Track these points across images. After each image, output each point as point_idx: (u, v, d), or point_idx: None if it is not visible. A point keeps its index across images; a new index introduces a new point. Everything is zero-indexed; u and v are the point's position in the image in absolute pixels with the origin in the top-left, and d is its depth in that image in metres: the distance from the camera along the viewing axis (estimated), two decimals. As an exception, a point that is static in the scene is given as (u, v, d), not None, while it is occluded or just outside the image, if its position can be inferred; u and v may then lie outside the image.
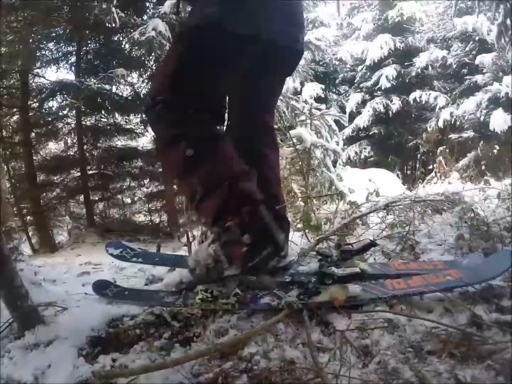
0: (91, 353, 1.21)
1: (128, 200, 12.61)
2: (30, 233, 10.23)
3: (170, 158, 1.38)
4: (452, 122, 10.25)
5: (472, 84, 10.65)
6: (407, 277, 1.39)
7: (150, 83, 9.36)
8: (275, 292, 1.35)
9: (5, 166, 8.93)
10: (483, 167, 8.53)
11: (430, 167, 11.68)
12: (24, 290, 1.29)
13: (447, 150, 9.44)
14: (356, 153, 12.45)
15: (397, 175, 10.14)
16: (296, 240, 2.17)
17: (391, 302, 1.25)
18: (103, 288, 1.66)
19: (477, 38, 10.89)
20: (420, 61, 11.41)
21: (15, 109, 9.71)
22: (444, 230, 2.34)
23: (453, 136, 10.12)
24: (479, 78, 10.22)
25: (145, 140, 11.51)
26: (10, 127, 10.31)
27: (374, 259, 1.87)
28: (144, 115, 10.63)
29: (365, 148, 12.64)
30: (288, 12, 1.46)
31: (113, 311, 1.46)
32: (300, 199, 3.96)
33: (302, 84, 7.68)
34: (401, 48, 11.92)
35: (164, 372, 0.99)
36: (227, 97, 1.65)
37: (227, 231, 1.22)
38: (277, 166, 1.83)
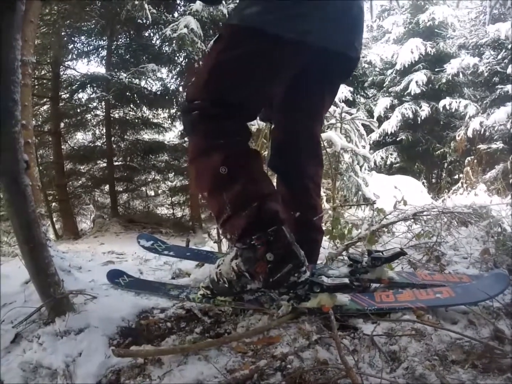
0: (122, 344, 1.22)
1: (152, 193, 12.90)
2: (53, 220, 10.56)
3: (201, 170, 1.35)
4: (482, 132, 10.06)
5: (503, 93, 10.43)
6: (396, 290, 1.42)
7: (186, 79, 9.50)
8: (270, 294, 1.41)
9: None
10: (511, 181, 8.33)
11: (456, 176, 11.49)
12: (57, 278, 1.30)
13: (475, 161, 9.26)
14: (382, 158, 12.36)
15: (423, 183, 9.99)
16: (324, 244, 2.19)
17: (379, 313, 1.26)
18: (116, 277, 1.73)
19: (509, 46, 10.63)
20: (451, 67, 11.21)
21: (45, 99, 9.97)
22: (470, 243, 2.32)
23: (481, 146, 9.92)
24: (510, 88, 9.99)
25: (172, 135, 11.74)
26: (40, 116, 10.56)
27: (402, 267, 1.88)
28: (176, 112, 10.83)
29: (391, 154, 12.52)
30: (341, 16, 1.35)
31: (143, 303, 1.47)
32: (327, 204, 3.96)
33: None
34: (432, 53, 11.75)
35: (199, 367, 1.01)
36: (273, 101, 1.61)
37: (251, 248, 1.24)
38: (319, 178, 1.81)
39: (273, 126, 1.76)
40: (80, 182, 11.50)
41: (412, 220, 2.42)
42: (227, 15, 7.94)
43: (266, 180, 1.37)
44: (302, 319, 1.21)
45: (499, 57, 11.14)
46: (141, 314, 1.39)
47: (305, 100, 1.61)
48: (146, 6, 7.75)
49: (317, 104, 1.68)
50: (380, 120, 11.60)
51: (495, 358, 0.96)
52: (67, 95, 10.27)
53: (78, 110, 10.35)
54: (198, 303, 1.43)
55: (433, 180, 12.98)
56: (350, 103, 9.53)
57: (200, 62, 8.09)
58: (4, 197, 1.22)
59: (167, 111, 10.79)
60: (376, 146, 12.54)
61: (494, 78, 11.35)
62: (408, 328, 1.11)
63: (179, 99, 10.30)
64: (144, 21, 8.28)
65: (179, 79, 10.16)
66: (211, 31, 8.38)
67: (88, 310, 1.34)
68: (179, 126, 11.49)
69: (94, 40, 9.85)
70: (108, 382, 1.04)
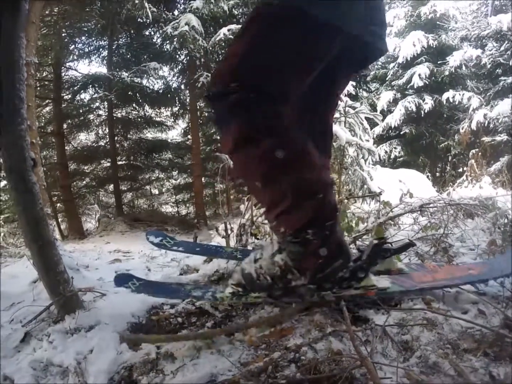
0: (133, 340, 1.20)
1: (156, 191, 12.98)
2: (59, 220, 10.62)
3: (251, 158, 1.20)
4: (486, 124, 10.00)
5: (506, 85, 10.36)
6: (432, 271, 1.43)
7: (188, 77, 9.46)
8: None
9: (38, 155, 9.27)
10: (516, 173, 8.29)
11: (460, 170, 11.44)
12: (66, 275, 1.29)
13: (479, 154, 9.20)
14: (386, 152, 12.32)
15: (427, 176, 9.96)
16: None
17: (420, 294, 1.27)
18: (125, 281, 1.62)
19: (512, 37, 10.58)
20: (454, 60, 11.13)
21: (48, 101, 10.01)
22: (476, 235, 2.32)
23: (486, 139, 9.86)
24: (513, 80, 9.95)
25: (175, 133, 11.81)
26: (43, 118, 10.60)
27: (409, 259, 1.88)
28: (179, 110, 10.77)
29: (395, 148, 12.48)
30: (374, 8, 1.31)
31: (152, 299, 1.46)
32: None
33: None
34: (434, 46, 11.67)
35: (212, 361, 1.01)
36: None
37: (303, 242, 1.16)
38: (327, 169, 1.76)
39: None
40: (84, 182, 11.59)
41: (419, 212, 2.42)
42: (227, 12, 7.93)
43: (326, 168, 1.27)
44: (314, 311, 1.21)
45: (502, 48, 11.05)
46: (151, 310, 1.39)
47: (326, 86, 1.48)
48: (146, 4, 7.74)
49: (335, 91, 1.57)
50: (383, 114, 11.54)
51: (506, 346, 0.96)
52: (69, 96, 10.32)
53: (81, 111, 10.40)
54: (227, 302, 1.37)
55: (437, 174, 12.93)
56: (353, 97, 9.48)
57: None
58: (12, 196, 1.22)
59: (169, 109, 10.83)
60: (380, 140, 12.49)
61: (497, 70, 11.26)
62: (419, 318, 1.12)
63: (181, 97, 10.31)
64: (145, 19, 8.28)
65: (181, 77, 10.17)
66: (211, 28, 8.37)
67: (98, 307, 1.33)
68: (181, 124, 11.55)
69: (95, 40, 9.89)
70: (121, 378, 1.03)
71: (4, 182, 9.46)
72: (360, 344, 0.97)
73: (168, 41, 8.34)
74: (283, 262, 1.20)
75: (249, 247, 2.08)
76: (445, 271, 1.36)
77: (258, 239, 2.22)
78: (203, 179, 10.39)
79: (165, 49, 9.01)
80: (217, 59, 8.51)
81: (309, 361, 0.95)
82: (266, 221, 2.24)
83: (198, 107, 9.85)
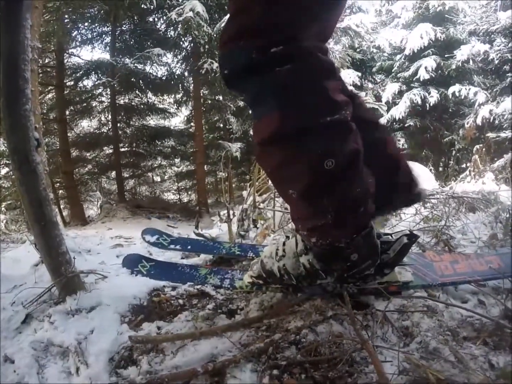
0: (134, 321, 1.22)
1: (158, 178, 13.03)
2: (61, 207, 10.68)
3: (289, 161, 0.96)
4: (491, 120, 9.94)
5: (513, 82, 10.29)
6: (453, 260, 1.40)
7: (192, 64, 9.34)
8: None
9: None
10: (519, 170, 8.24)
11: (464, 165, 11.38)
12: (68, 256, 1.29)
13: (483, 149, 9.15)
14: (389, 144, 12.26)
15: (430, 170, 9.93)
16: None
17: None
18: (134, 263, 1.60)
19: (521, 34, 10.46)
20: (461, 54, 11.00)
21: (50, 87, 10.00)
22: (478, 228, 2.32)
23: (490, 135, 9.79)
24: (520, 76, 9.86)
25: (178, 120, 11.82)
26: (46, 104, 10.60)
27: (411, 249, 1.88)
28: (182, 97, 10.67)
29: (399, 140, 12.41)
30: None
31: (154, 282, 1.48)
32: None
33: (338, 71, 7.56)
34: (441, 39, 11.53)
35: (213, 341, 1.01)
36: None
37: (337, 250, 1.06)
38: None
39: None
40: (86, 169, 11.63)
41: (421, 203, 2.42)
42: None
43: (368, 172, 1.06)
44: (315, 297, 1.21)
45: (510, 44, 10.90)
46: (152, 291, 1.40)
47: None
48: (151, -10, 7.68)
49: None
50: (388, 106, 11.47)
51: (505, 336, 0.97)
52: (72, 82, 10.30)
53: (83, 97, 10.40)
54: (246, 291, 1.34)
55: (441, 168, 12.89)
56: (358, 88, 9.45)
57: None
58: (15, 176, 1.22)
59: (172, 96, 10.81)
60: (384, 132, 12.41)
61: (505, 66, 11.14)
62: (419, 305, 1.13)
63: (185, 84, 10.27)
64: (148, 5, 8.22)
65: (184, 63, 10.13)
66: (216, 14, 8.30)
67: (99, 289, 1.34)
68: (185, 111, 11.54)
69: (98, 26, 9.84)
70: (121, 358, 1.04)
71: (5, 170, 9.51)
72: (360, 328, 0.98)
73: (172, 27, 8.30)
74: (310, 264, 1.12)
75: (247, 241, 2.08)
76: (465, 263, 1.34)
77: (257, 227, 2.22)
78: (205, 166, 10.41)
79: (169, 36, 8.96)
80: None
81: (310, 343, 0.95)
82: (268, 207, 2.25)
83: (201, 94, 9.81)
